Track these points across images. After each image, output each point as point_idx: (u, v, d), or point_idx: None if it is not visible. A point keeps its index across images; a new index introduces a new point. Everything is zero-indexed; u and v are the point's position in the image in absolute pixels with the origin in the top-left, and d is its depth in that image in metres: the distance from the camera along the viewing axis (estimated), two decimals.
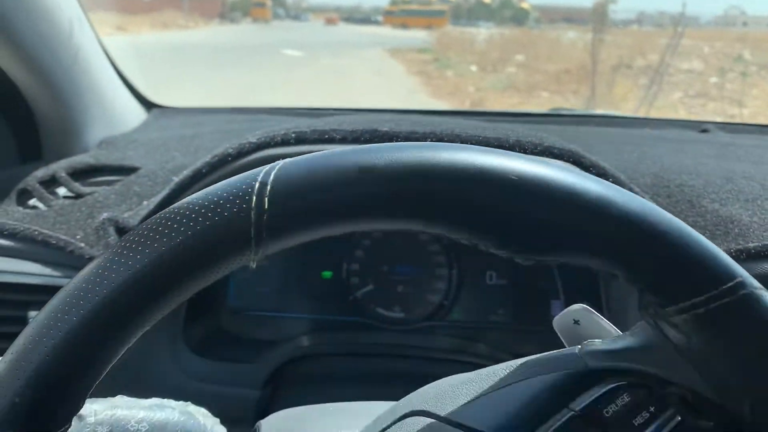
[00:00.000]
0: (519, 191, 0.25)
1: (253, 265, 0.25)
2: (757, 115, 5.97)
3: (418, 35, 16.35)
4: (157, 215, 0.25)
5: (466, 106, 6.69)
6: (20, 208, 0.69)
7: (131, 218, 0.64)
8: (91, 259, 0.61)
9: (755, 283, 0.26)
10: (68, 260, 0.63)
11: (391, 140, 0.65)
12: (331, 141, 0.65)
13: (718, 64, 8.21)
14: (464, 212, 0.25)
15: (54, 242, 0.63)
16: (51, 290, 0.62)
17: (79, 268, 0.61)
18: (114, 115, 0.94)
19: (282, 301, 0.83)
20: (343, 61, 10.68)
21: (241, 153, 0.65)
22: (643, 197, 0.64)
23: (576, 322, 0.36)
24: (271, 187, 0.24)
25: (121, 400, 0.35)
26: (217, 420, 0.38)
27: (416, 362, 0.79)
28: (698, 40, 10.23)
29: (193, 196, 0.25)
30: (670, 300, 0.26)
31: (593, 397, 0.28)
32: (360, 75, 8.81)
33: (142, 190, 0.70)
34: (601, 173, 0.64)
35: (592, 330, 0.35)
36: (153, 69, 5.86)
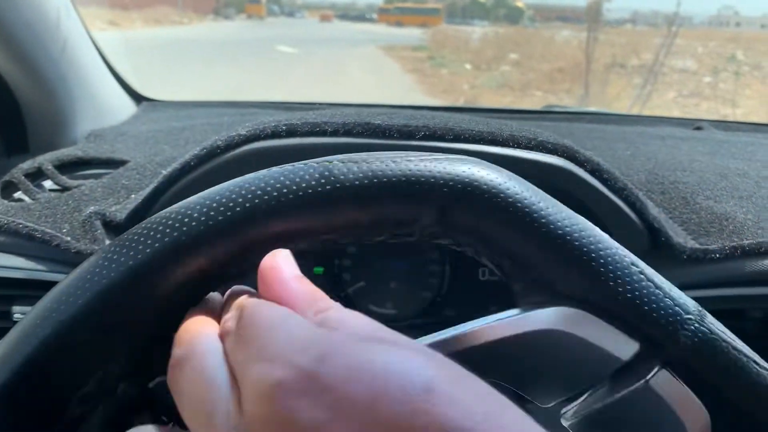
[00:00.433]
0: None
1: None
2: (750, 114, 6.00)
3: (412, 33, 16.34)
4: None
5: (460, 104, 6.69)
6: (5, 201, 0.68)
7: (119, 212, 0.63)
8: (77, 253, 0.60)
9: None
10: (54, 254, 0.62)
11: (384, 133, 0.63)
12: (322, 134, 0.64)
13: (711, 64, 8.24)
14: None
15: (39, 236, 0.61)
16: (36, 285, 0.61)
17: (64, 263, 0.61)
18: (103, 107, 0.92)
19: None
20: (337, 58, 10.65)
21: (230, 145, 0.64)
22: (637, 193, 0.64)
23: None
24: None
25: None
26: None
27: None
28: (692, 40, 10.27)
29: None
30: None
31: None
32: (354, 72, 8.79)
33: (130, 184, 0.68)
34: (596, 169, 0.63)
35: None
36: (144, 64, 5.82)
